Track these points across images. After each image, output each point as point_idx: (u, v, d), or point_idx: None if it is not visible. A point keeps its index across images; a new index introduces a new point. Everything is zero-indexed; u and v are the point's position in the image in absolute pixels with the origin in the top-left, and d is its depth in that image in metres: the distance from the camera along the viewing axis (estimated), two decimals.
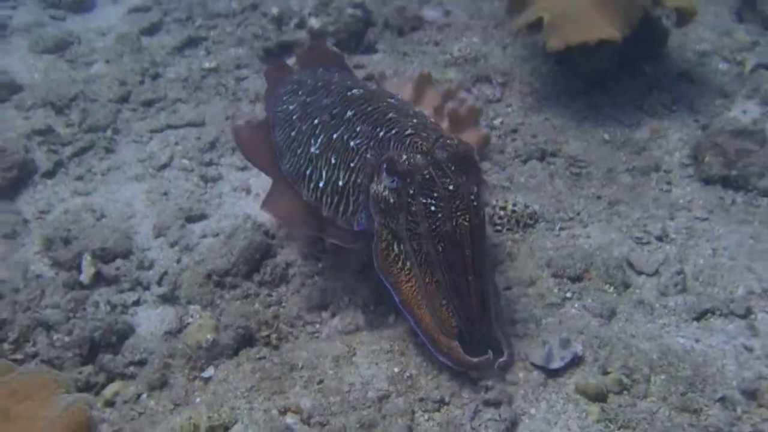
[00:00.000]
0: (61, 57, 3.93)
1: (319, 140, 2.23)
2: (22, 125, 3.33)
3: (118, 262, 2.61)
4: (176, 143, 3.29)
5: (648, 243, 2.41)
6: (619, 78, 3.28)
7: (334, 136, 2.19)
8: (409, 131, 2.06)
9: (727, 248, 2.37)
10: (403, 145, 2.03)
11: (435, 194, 1.93)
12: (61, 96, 3.50)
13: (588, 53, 3.00)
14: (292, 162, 2.31)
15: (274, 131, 2.49)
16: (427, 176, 1.94)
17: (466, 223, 1.93)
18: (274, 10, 4.11)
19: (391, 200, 1.97)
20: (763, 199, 2.60)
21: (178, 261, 2.64)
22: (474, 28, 3.87)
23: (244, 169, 3.12)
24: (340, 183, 2.13)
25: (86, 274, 2.52)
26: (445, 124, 2.81)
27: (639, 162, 2.81)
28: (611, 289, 2.21)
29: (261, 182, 3.02)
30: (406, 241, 1.97)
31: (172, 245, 2.72)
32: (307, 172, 2.23)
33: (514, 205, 2.51)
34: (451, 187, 1.94)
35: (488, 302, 1.99)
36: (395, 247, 2.02)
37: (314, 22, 3.81)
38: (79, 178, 3.11)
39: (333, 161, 2.16)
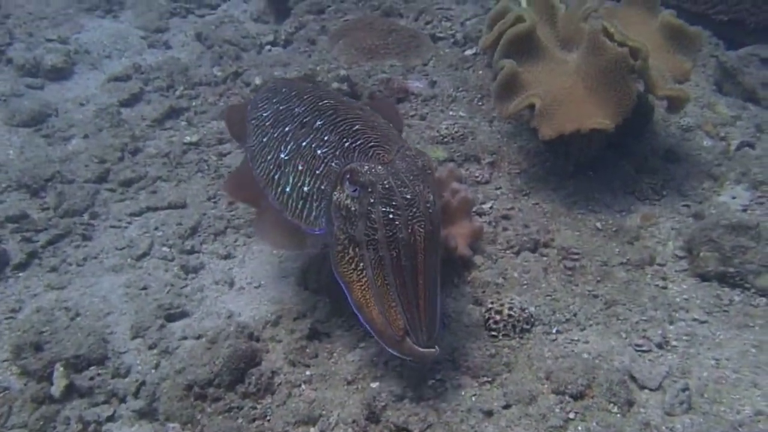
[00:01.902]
0: (38, 131, 3.81)
1: (289, 147, 2.38)
2: None
3: (93, 370, 2.47)
4: (156, 228, 3.17)
5: (649, 351, 2.33)
6: (606, 158, 3.23)
7: (303, 143, 2.33)
8: (372, 143, 2.21)
9: (729, 359, 2.29)
10: (366, 156, 2.18)
11: (394, 203, 2.07)
12: (36, 177, 3.38)
13: (578, 138, 2.94)
14: (262, 167, 2.45)
15: (248, 138, 2.64)
16: (387, 186, 2.08)
17: (421, 230, 2.08)
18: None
19: (353, 208, 2.11)
20: (761, 299, 2.53)
21: (157, 366, 2.51)
22: (460, 100, 3.82)
23: (227, 257, 3.01)
24: (305, 189, 2.28)
25: (57, 387, 2.37)
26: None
27: (633, 254, 2.74)
28: (615, 409, 2.11)
29: (244, 273, 2.92)
30: (363, 246, 2.10)
31: (150, 347, 2.59)
32: (276, 177, 2.38)
33: (510, 308, 2.42)
34: (408, 196, 2.08)
35: (436, 305, 2.13)
36: (351, 250, 2.14)
37: None
38: (54, 269, 2.98)
39: (300, 168, 2.31)
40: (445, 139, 3.43)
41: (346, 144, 2.24)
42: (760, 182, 3.08)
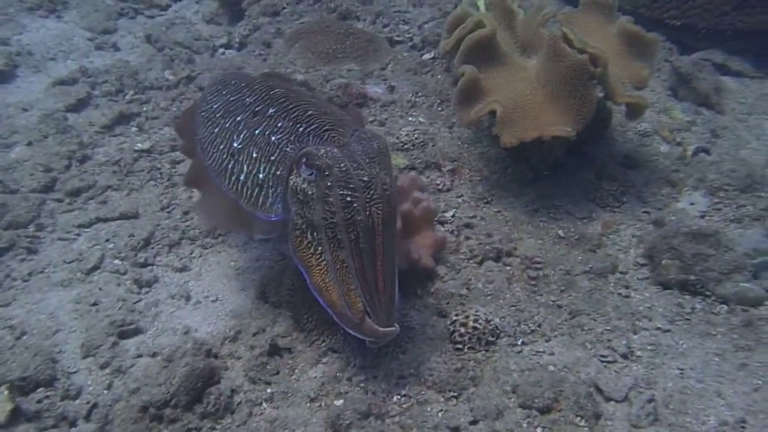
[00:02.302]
0: None
1: (242, 136, 2.38)
2: None
3: (40, 392, 2.35)
4: (107, 240, 3.04)
5: (614, 362, 2.32)
6: (566, 164, 3.23)
7: (256, 131, 2.34)
8: (327, 127, 2.24)
9: (693, 368, 2.30)
10: (322, 139, 2.20)
11: (351, 185, 2.08)
12: None
13: (539, 145, 2.93)
14: (214, 157, 2.45)
15: (198, 131, 2.61)
16: (344, 168, 2.10)
17: (379, 212, 2.10)
18: None
19: (309, 192, 2.12)
20: (721, 306, 2.55)
21: (110, 387, 2.40)
22: (419, 105, 3.78)
23: (182, 270, 2.90)
24: (261, 176, 2.28)
25: (2, 411, 2.24)
26: (398, 224, 2.68)
27: (595, 262, 2.74)
28: (582, 422, 2.09)
29: (201, 286, 2.82)
30: (321, 230, 2.12)
31: (102, 367, 2.47)
32: (229, 166, 2.38)
33: (475, 320, 2.39)
34: (365, 179, 2.10)
35: (394, 286, 2.16)
36: (309, 234, 2.16)
37: None
38: None
39: (254, 155, 2.31)
40: (406, 146, 3.38)
41: (300, 129, 2.25)
42: (716, 188, 3.11)
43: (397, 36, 4.43)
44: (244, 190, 2.32)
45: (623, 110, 3.06)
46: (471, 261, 2.78)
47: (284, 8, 4.81)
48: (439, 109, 3.75)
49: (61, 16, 4.86)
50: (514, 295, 2.61)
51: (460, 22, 3.18)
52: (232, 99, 2.56)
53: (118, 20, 4.92)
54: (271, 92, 2.47)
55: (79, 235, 3.09)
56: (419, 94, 3.86)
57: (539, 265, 2.72)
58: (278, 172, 2.24)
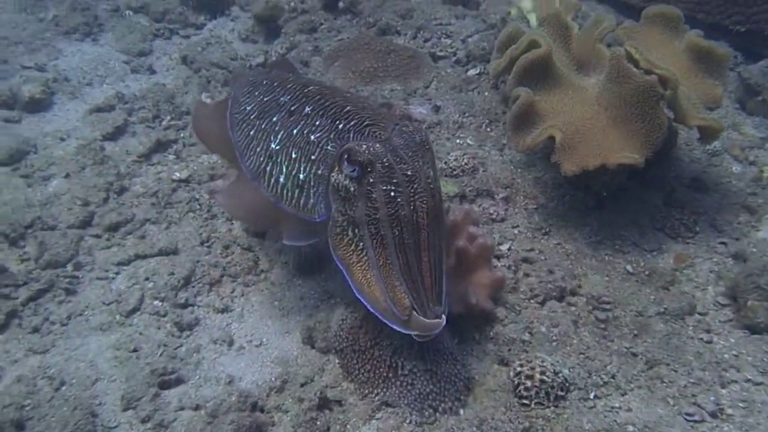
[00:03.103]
0: (16, 171, 3.51)
1: (279, 136, 2.32)
2: None
3: None
4: (146, 279, 2.91)
5: (702, 421, 2.10)
6: (630, 190, 3.00)
7: (294, 131, 2.29)
8: (367, 122, 2.18)
9: None
10: (363, 135, 2.15)
11: (394, 180, 2.03)
12: (15, 224, 3.11)
13: (601, 170, 2.71)
14: (251, 160, 2.39)
15: (232, 133, 2.55)
16: (387, 163, 2.04)
17: (424, 205, 2.05)
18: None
19: (352, 188, 2.07)
20: None
21: None
22: (467, 126, 3.59)
23: (224, 311, 2.76)
24: (301, 176, 2.23)
25: None
26: (451, 262, 2.50)
27: (670, 302, 2.52)
28: None
29: (244, 329, 2.67)
30: (364, 226, 2.06)
31: (143, 421, 2.34)
32: (267, 168, 2.32)
33: (543, 372, 2.19)
34: (409, 172, 2.05)
35: (442, 282, 2.08)
36: (350, 231, 2.10)
37: None
38: (35, 330, 2.70)
39: (294, 155, 2.26)
40: (455, 172, 3.19)
41: (340, 126, 2.21)
42: None
43: (440, 51, 4.23)
44: (284, 192, 2.27)
45: (686, 127, 2.82)
46: (532, 301, 2.58)
47: (321, 24, 4.66)
48: (488, 129, 3.55)
49: (96, 39, 4.78)
50: (583, 341, 2.41)
51: (513, 40, 2.99)
52: (265, 99, 2.50)
53: (153, 41, 4.82)
54: (306, 90, 2.42)
55: (118, 273, 2.97)
56: (466, 113, 3.66)
57: (608, 306, 2.51)
58: (319, 171, 2.19)
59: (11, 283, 2.87)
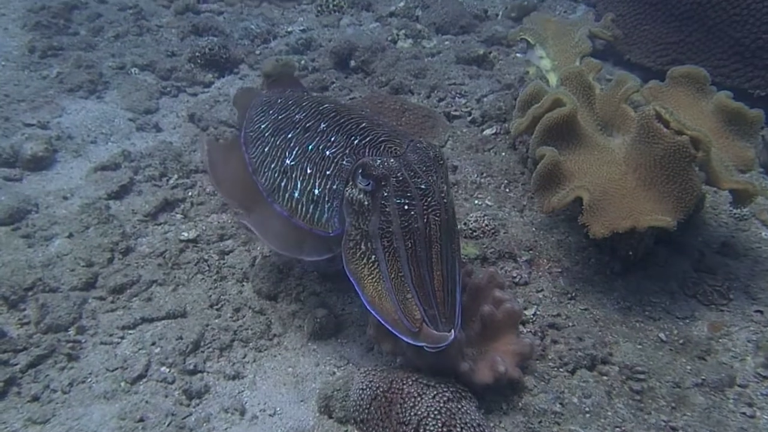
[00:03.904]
0: (16, 230, 3.38)
1: (294, 152, 2.37)
2: None
3: None
4: (153, 343, 2.77)
5: None
6: (657, 254, 2.90)
7: (310, 147, 2.33)
8: (382, 138, 2.21)
9: None
10: (378, 150, 2.17)
11: (408, 194, 2.06)
12: (15, 286, 2.98)
13: (628, 234, 2.62)
14: (266, 176, 2.43)
15: (247, 150, 2.59)
16: (401, 178, 2.07)
17: (437, 219, 2.07)
18: None
19: (366, 202, 2.09)
20: None
21: None
22: (485, 187, 3.50)
23: (235, 377, 2.61)
24: (316, 191, 2.26)
25: None
26: (477, 328, 2.38)
27: (708, 373, 2.38)
28: None
29: (257, 397, 2.52)
30: (377, 239, 2.06)
31: None
32: (282, 184, 2.37)
33: None
34: (423, 186, 2.08)
35: (455, 294, 2.09)
36: (363, 245, 2.10)
37: None
38: (35, 398, 2.54)
39: (308, 171, 2.29)
40: (475, 233, 3.09)
41: (356, 142, 2.23)
42: None
43: (455, 110, 4.19)
44: (299, 207, 2.30)
45: (720, 189, 2.73)
46: (561, 369, 2.44)
47: (333, 83, 4.63)
48: (507, 190, 3.47)
49: (101, 97, 4.72)
50: (617, 413, 2.26)
51: (535, 99, 2.94)
52: (280, 117, 2.55)
53: (159, 99, 4.77)
54: (321, 107, 2.46)
55: (123, 338, 2.82)
56: (484, 174, 3.58)
57: (642, 376, 2.38)
58: (334, 187, 2.22)
59: (10, 349, 2.73)
